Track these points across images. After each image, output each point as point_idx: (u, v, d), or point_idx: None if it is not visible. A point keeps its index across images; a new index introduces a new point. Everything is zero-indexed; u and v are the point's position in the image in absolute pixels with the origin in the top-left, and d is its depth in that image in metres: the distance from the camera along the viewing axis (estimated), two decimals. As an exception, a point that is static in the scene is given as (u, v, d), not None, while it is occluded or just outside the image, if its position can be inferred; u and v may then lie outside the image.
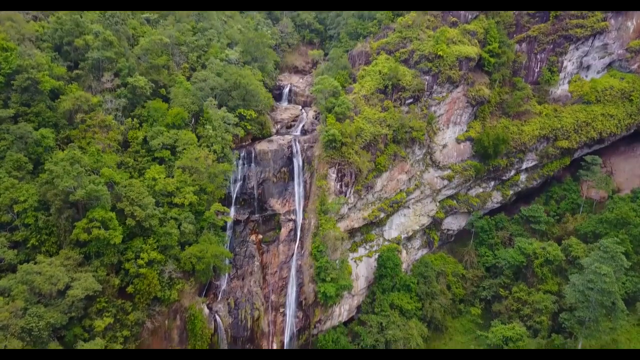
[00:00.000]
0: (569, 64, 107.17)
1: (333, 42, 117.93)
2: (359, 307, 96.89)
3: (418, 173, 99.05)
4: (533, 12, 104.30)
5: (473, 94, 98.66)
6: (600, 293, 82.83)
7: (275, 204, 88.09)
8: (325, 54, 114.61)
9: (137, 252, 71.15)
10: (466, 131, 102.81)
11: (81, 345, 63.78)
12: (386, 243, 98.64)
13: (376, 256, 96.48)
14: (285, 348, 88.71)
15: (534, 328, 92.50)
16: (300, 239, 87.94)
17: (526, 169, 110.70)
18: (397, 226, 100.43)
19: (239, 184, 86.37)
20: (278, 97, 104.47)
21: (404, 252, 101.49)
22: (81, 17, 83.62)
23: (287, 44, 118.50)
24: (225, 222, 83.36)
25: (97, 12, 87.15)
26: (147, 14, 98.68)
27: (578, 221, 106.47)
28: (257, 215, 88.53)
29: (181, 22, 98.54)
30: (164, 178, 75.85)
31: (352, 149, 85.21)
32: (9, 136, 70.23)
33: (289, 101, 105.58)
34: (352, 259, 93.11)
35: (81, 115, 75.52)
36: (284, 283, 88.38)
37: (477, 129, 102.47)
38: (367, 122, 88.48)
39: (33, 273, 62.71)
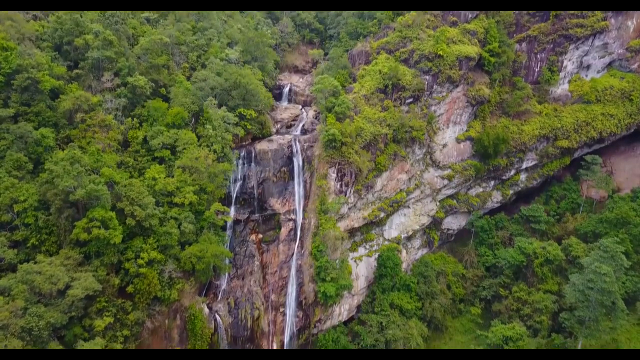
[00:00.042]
0: (569, 63, 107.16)
1: (333, 41, 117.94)
2: (359, 307, 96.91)
3: (418, 173, 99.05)
4: (533, 11, 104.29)
5: (473, 93, 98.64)
6: (600, 292, 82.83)
7: (275, 204, 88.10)
8: (325, 54, 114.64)
9: (137, 252, 71.15)
10: (466, 131, 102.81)
11: (81, 345, 63.76)
12: (386, 243, 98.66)
13: (376, 256, 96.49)
14: (285, 347, 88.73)
15: (534, 328, 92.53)
16: (300, 239, 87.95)
17: (526, 169, 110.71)
18: (397, 226, 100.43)
19: (239, 184, 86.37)
20: (278, 97, 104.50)
21: (404, 251, 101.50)
22: (81, 16, 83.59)
23: (287, 43, 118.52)
24: (225, 221, 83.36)
25: (97, 11, 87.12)
26: (147, 14, 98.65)
27: (578, 221, 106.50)
28: (257, 215, 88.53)
29: (181, 21, 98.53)
30: (164, 178, 75.86)
31: (352, 149, 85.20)
32: (9, 136, 70.22)
33: (289, 101, 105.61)
34: (352, 259, 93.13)
35: (81, 115, 75.52)
36: (284, 283, 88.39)
37: (477, 129, 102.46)
38: (367, 121, 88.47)
39: (33, 272, 62.73)
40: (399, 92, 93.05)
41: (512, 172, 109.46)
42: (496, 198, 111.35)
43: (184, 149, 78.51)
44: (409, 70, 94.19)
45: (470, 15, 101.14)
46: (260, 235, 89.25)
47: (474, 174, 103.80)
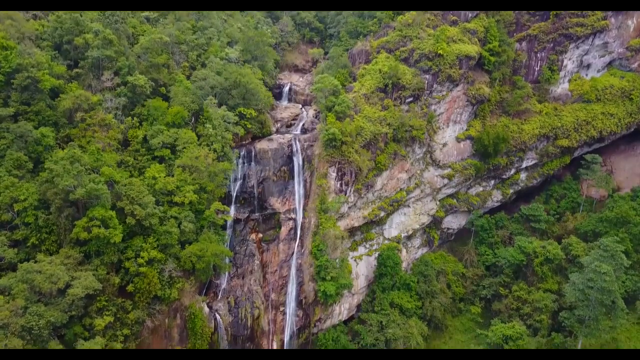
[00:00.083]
0: (569, 62, 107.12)
1: (333, 40, 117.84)
2: (359, 306, 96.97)
3: (418, 172, 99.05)
4: (533, 10, 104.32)
5: (473, 92, 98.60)
6: (600, 292, 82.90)
7: (276, 203, 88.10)
8: (326, 53, 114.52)
9: (137, 251, 71.13)
10: (466, 130, 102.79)
11: (81, 344, 63.77)
12: (386, 242, 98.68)
13: (376, 255, 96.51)
14: (285, 347, 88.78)
15: (533, 327, 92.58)
16: (300, 238, 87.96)
17: (526, 168, 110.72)
18: (397, 225, 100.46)
19: (239, 183, 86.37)
20: (278, 96, 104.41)
21: (404, 250, 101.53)
22: (81, 15, 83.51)
23: (287, 42, 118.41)
24: (225, 220, 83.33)
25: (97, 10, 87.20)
26: (146, 13, 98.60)
27: (578, 220, 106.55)
28: (257, 214, 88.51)
29: (181, 20, 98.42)
30: (164, 177, 75.81)
31: (352, 148, 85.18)
32: (9, 135, 70.19)
33: (289, 100, 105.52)
34: (352, 258, 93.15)
35: (81, 114, 75.48)
36: (284, 282, 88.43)
37: (477, 128, 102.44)
38: (367, 120, 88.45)
39: (33, 272, 62.73)
40: (399, 91, 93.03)
41: (512, 171, 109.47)
42: (496, 197, 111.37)
43: (184, 148, 78.47)
44: (409, 69, 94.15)
45: (470, 15, 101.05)
46: (261, 235, 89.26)
47: (474, 173, 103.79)
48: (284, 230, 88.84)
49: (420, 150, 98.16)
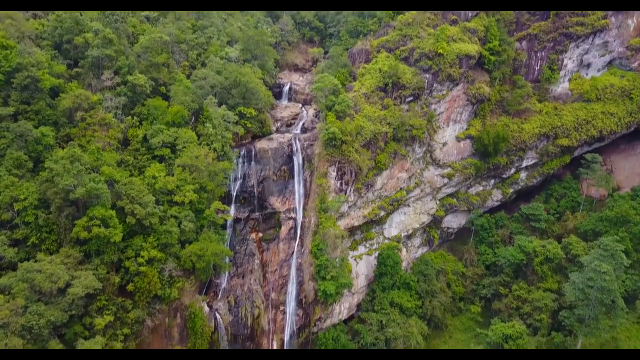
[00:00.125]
0: (569, 62, 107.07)
1: (333, 40, 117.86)
2: (359, 305, 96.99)
3: (418, 171, 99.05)
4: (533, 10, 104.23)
5: (473, 92, 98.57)
6: (600, 291, 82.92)
7: (276, 202, 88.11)
8: (326, 52, 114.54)
9: (137, 250, 71.14)
10: (466, 129, 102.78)
11: (81, 343, 63.79)
12: (386, 241, 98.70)
13: (376, 254, 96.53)
14: (285, 346, 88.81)
15: (533, 326, 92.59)
16: (300, 237, 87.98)
17: (526, 167, 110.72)
18: (397, 224, 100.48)
19: (239, 182, 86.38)
20: (278, 95, 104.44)
21: (404, 250, 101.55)
22: (81, 15, 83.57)
23: (287, 41, 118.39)
24: (226, 220, 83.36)
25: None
26: (146, 12, 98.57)
27: (578, 219, 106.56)
28: (257, 214, 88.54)
29: (181, 20, 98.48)
30: (164, 176, 75.81)
31: (352, 147, 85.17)
32: (9, 134, 70.18)
33: (289, 99, 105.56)
34: (352, 257, 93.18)
35: (81, 114, 75.47)
36: (284, 281, 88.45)
37: (477, 127, 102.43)
38: (367, 120, 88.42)
39: (33, 271, 62.73)
40: (399, 91, 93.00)
41: (512, 170, 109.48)
42: (496, 196, 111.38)
43: (184, 147, 78.47)
44: (409, 68, 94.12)
45: (470, 14, 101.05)
46: (261, 234, 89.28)
47: (474, 173, 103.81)
48: (284, 230, 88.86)
49: (420, 150, 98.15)
